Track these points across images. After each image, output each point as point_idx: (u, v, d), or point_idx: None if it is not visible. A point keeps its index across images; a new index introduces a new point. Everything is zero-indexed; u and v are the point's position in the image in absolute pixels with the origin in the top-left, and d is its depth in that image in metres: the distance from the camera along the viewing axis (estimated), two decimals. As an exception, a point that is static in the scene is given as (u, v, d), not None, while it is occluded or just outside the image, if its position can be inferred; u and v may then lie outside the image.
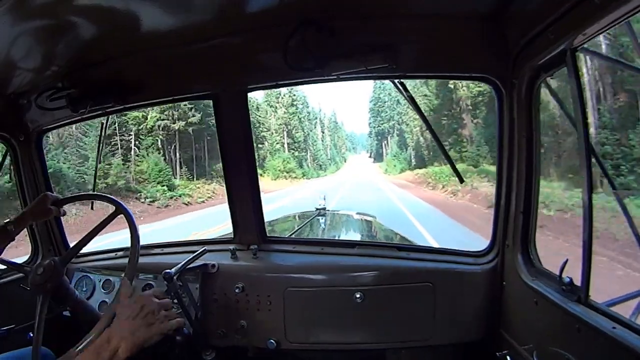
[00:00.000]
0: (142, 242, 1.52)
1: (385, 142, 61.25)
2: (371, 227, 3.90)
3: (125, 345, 1.01)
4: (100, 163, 2.57)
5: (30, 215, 1.64)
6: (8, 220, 1.58)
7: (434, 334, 1.78)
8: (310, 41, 1.61)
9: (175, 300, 1.81)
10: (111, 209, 1.61)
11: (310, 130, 54.99)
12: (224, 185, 2.02)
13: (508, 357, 1.51)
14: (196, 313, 1.84)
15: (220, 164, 2.10)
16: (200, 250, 1.90)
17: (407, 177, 33.42)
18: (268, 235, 2.06)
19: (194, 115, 26.49)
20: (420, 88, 28.38)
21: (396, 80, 1.79)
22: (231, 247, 1.98)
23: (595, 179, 1.21)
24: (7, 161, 2.14)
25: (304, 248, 2.02)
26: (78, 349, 1.14)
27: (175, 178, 25.21)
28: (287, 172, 38.84)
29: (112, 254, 2.20)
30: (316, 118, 60.34)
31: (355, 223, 4.02)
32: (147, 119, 25.11)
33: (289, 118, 44.34)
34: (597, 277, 1.27)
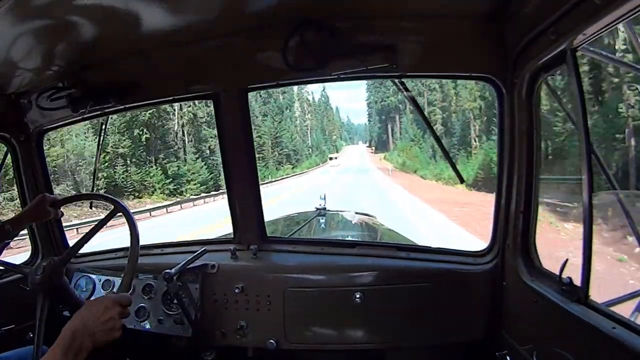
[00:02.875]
0: (143, 242, 1.52)
1: (392, 124, 48.55)
2: (371, 227, 3.89)
3: (86, 343, 1.06)
4: (99, 163, 2.57)
5: (28, 216, 1.63)
6: (6, 220, 1.58)
7: (434, 334, 1.78)
8: (310, 41, 1.62)
9: (175, 300, 1.82)
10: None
11: (286, 109, 44.08)
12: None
13: (508, 357, 1.51)
14: (196, 313, 1.84)
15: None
16: (200, 250, 1.90)
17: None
18: (268, 235, 2.06)
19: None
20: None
21: (396, 80, 1.79)
22: (231, 247, 1.98)
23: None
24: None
25: (304, 248, 2.02)
26: None
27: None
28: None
29: (112, 254, 2.20)
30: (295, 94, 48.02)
31: (355, 223, 4.01)
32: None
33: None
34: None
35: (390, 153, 47.53)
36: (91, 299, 1.97)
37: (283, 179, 34.91)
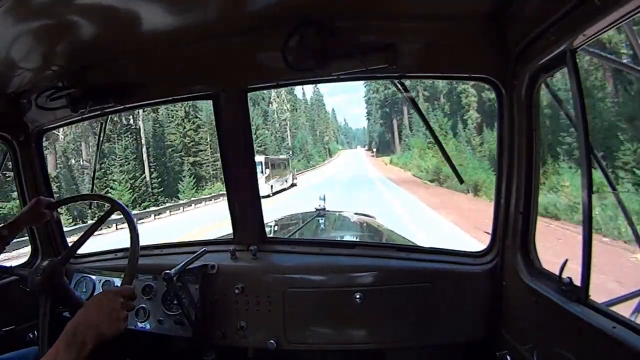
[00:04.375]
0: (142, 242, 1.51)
1: (399, 118, 37.90)
2: (371, 228, 3.90)
3: (90, 336, 1.04)
4: (98, 163, 2.57)
5: (23, 220, 1.62)
6: (2, 225, 1.58)
7: (434, 334, 1.78)
8: (310, 41, 1.62)
9: (176, 301, 1.81)
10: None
11: (262, 100, 33.36)
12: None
13: (508, 357, 1.51)
14: (196, 314, 1.84)
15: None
16: (200, 251, 1.90)
17: None
18: (268, 235, 2.05)
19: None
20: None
21: (396, 81, 1.79)
22: (231, 247, 1.97)
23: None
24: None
25: (304, 249, 2.02)
26: None
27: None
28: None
29: (112, 255, 2.20)
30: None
31: (354, 223, 4.01)
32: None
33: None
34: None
35: (400, 155, 33.73)
36: None
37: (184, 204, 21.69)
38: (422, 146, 26.56)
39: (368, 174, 27.96)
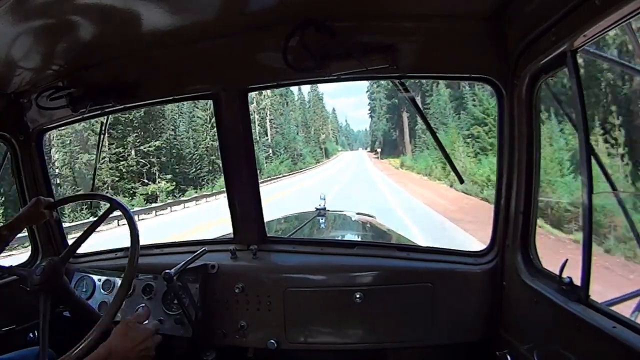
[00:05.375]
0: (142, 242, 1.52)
1: (410, 111, 30.40)
2: (371, 227, 3.89)
3: None
4: (98, 163, 2.56)
5: (23, 220, 1.63)
6: (1, 225, 1.58)
7: (434, 334, 1.78)
8: (310, 41, 1.61)
9: (176, 301, 1.82)
10: None
11: None
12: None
13: (508, 357, 1.51)
14: (196, 313, 1.84)
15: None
16: (200, 250, 1.90)
17: None
18: (268, 235, 2.06)
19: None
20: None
21: (396, 81, 1.79)
22: (231, 247, 1.98)
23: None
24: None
25: (304, 248, 2.02)
26: (75, 352, 1.19)
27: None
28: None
29: (112, 254, 2.20)
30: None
31: (355, 223, 4.01)
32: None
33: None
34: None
35: (415, 157, 26.85)
36: (126, 318, 1.72)
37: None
38: (455, 139, 18.03)
39: (384, 196, 17.47)
